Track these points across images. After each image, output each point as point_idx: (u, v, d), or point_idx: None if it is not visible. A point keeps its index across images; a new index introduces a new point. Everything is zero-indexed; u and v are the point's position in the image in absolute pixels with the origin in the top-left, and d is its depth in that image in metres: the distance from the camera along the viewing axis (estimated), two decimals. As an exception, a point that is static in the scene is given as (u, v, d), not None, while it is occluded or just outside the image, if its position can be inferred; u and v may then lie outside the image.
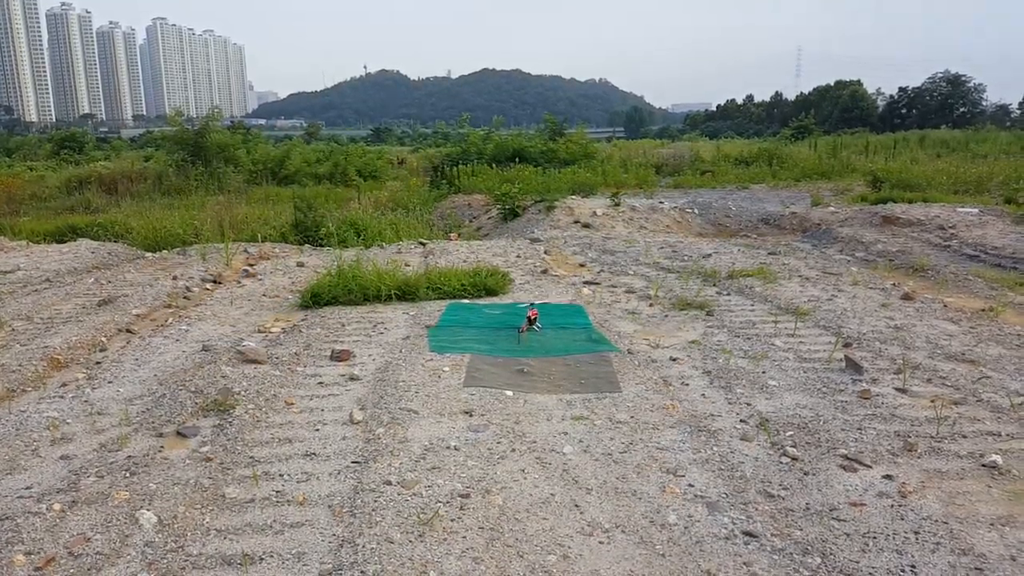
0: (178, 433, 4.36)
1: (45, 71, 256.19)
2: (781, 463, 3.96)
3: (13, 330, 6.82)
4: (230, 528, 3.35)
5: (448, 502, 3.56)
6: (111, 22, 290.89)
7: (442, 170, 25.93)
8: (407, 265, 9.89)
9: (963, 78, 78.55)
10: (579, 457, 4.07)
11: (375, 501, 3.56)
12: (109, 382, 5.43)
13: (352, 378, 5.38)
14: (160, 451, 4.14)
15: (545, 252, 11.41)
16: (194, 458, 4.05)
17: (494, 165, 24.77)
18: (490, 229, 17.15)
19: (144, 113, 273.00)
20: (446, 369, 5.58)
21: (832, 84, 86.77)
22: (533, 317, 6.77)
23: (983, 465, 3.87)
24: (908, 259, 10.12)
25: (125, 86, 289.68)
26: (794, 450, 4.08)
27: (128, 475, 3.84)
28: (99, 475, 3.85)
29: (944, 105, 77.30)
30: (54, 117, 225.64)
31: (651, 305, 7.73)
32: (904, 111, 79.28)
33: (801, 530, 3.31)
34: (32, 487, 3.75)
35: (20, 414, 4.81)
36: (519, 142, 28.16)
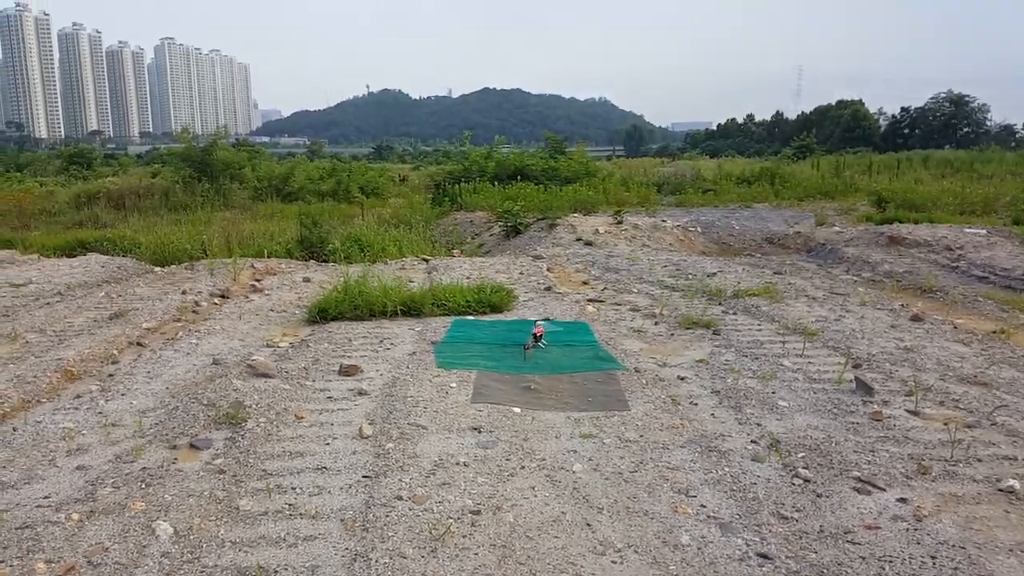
0: (191, 445, 4.38)
1: (55, 89, 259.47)
2: (794, 484, 3.95)
3: (27, 342, 6.86)
4: (244, 540, 3.36)
5: (459, 518, 3.56)
6: (120, 42, 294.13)
7: (444, 187, 26.06)
8: (411, 281, 9.92)
9: (967, 98, 79.03)
10: (589, 475, 4.07)
11: (387, 516, 3.57)
12: (122, 394, 5.46)
13: (361, 393, 5.40)
14: (174, 463, 4.16)
15: (548, 269, 11.45)
16: (207, 470, 4.06)
17: (496, 182, 24.89)
18: (492, 246, 17.21)
19: (151, 130, 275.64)
20: (453, 385, 5.60)
21: (833, 104, 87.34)
22: (539, 334, 6.78)
23: (1000, 490, 3.84)
24: (916, 280, 10.13)
25: (133, 104, 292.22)
26: (806, 472, 4.08)
27: (144, 486, 3.85)
28: (115, 485, 3.87)
29: (947, 125, 77.71)
30: (63, 134, 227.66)
31: (656, 323, 7.75)
32: (907, 131, 79.71)
33: (816, 553, 3.30)
34: (50, 496, 3.77)
35: (36, 424, 4.84)
36: (521, 160, 28.31)
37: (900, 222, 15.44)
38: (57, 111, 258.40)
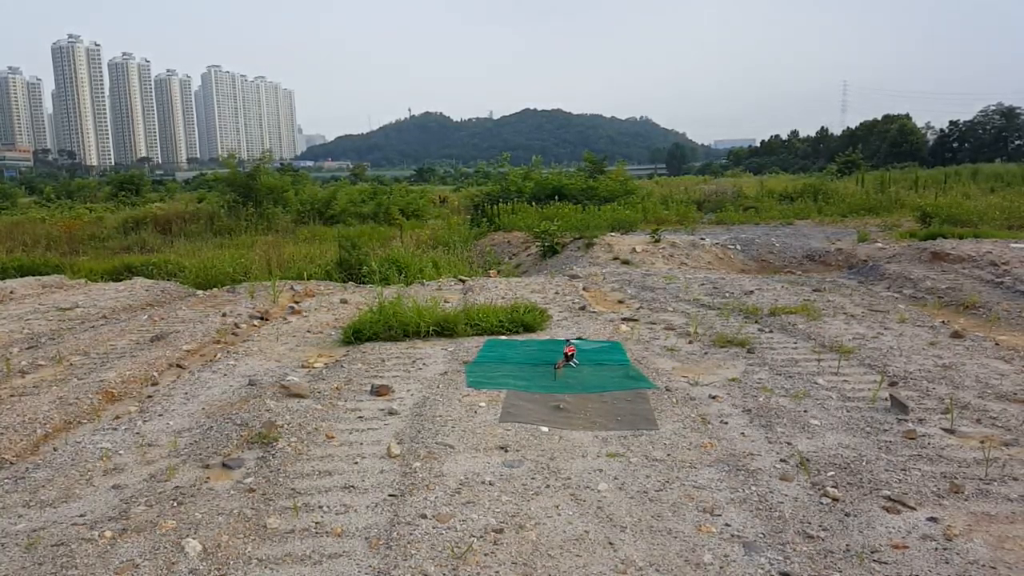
0: (223, 465, 4.49)
1: (106, 117, 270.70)
2: (821, 503, 3.89)
3: (71, 364, 7.12)
4: (271, 558, 3.43)
5: (482, 536, 3.58)
6: (168, 70, 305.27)
7: (482, 208, 26.26)
8: (447, 302, 10.01)
9: (1017, 110, 76.93)
10: (614, 494, 4.06)
11: (410, 534, 3.61)
12: (160, 415, 5.62)
13: (390, 412, 5.47)
14: (206, 482, 4.27)
15: (584, 289, 11.44)
16: (238, 489, 4.16)
17: (534, 203, 24.99)
18: (529, 266, 17.27)
19: (198, 156, 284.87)
20: (482, 404, 5.64)
21: (879, 119, 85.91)
22: (570, 353, 6.79)
23: (1034, 508, 3.73)
24: (958, 296, 9.86)
25: (180, 130, 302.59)
26: (835, 490, 4.00)
27: (175, 505, 3.96)
28: (148, 504, 3.98)
29: (998, 138, 75.76)
30: (113, 161, 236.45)
31: (690, 342, 7.69)
32: (955, 145, 77.91)
33: (840, 572, 3.24)
34: (85, 515, 3.90)
35: (76, 445, 5.01)
36: (559, 180, 28.41)
37: (945, 237, 15.06)
38: (107, 138, 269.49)
